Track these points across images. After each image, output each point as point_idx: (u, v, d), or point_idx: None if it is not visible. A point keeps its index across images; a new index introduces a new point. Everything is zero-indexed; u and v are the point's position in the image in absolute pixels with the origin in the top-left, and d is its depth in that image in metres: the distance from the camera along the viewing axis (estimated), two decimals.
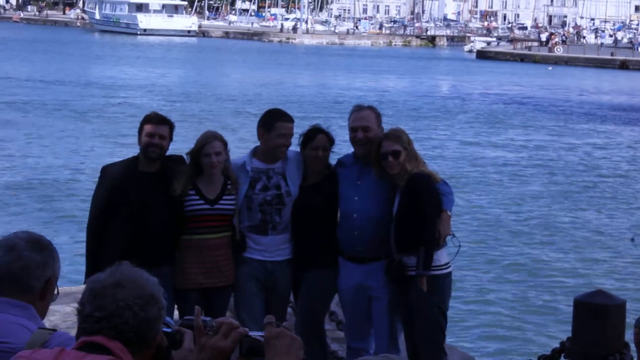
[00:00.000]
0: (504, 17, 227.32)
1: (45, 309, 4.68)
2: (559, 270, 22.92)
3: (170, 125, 9.68)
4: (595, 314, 7.93)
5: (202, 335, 3.56)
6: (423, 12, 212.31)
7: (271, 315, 4.03)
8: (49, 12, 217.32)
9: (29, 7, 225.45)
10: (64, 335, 4.26)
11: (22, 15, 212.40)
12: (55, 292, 4.72)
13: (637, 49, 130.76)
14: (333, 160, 10.18)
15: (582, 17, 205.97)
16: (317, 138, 9.72)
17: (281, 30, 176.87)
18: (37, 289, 4.53)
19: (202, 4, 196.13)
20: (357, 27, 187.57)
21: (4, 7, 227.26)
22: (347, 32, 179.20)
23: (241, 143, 9.62)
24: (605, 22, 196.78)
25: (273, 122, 9.66)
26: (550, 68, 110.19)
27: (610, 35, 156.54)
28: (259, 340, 3.57)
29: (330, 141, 9.86)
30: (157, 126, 9.53)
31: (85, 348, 3.73)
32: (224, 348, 3.49)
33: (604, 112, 62.79)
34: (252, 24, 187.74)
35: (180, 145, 9.83)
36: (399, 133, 9.59)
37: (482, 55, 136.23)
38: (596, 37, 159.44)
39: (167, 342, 4.01)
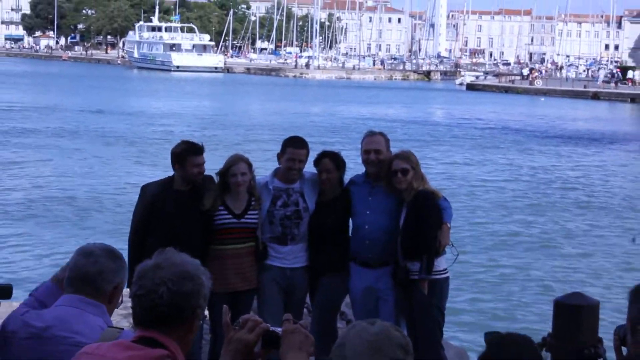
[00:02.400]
0: (490, 55, 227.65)
1: (111, 312, 4.84)
2: (541, 275, 22.95)
3: (201, 150, 9.77)
4: (572, 314, 7.95)
5: (230, 330, 3.55)
6: (419, 50, 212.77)
7: (289, 313, 4.04)
8: (94, 51, 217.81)
9: (76, 47, 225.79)
10: (132, 334, 4.24)
11: (69, 54, 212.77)
12: (120, 300, 4.99)
13: (597, 81, 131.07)
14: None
15: (558, 55, 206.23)
16: (322, 162, 9.83)
17: (295, 66, 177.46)
18: (108, 292, 4.81)
19: (227, 43, 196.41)
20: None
21: (53, 47, 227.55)
22: (353, 68, 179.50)
23: (263, 164, 9.61)
24: (579, 58, 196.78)
25: (285, 147, 9.78)
26: (543, 99, 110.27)
27: (584, 70, 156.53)
28: (278, 333, 3.60)
29: (338, 163, 9.88)
30: (200, 157, 9.67)
31: (141, 341, 3.88)
32: (248, 341, 3.49)
33: (578, 137, 62.86)
34: (270, 61, 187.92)
35: (210, 166, 9.82)
36: (408, 154, 9.71)
37: (471, 87, 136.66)
38: (567, 71, 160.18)
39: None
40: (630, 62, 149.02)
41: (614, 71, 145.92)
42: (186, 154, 9.56)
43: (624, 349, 4.78)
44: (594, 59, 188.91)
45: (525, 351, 4.60)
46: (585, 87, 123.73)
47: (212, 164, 9.97)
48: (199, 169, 9.53)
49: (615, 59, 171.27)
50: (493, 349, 4.65)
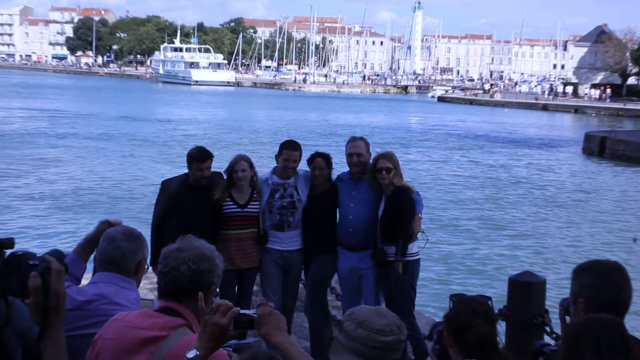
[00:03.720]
0: (458, 72, 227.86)
1: (138, 283, 5.11)
2: (498, 256, 23.01)
3: (211, 157, 9.90)
4: (523, 289, 7.99)
5: (205, 314, 3.52)
6: (398, 68, 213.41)
7: (262, 297, 4.46)
8: (125, 68, 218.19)
9: (111, 65, 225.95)
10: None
11: (105, 70, 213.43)
12: (146, 267, 5.26)
13: (546, 94, 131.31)
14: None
15: (514, 72, 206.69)
16: (315, 161, 9.90)
17: (294, 81, 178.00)
18: (132, 269, 5.01)
19: (237, 62, 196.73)
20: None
21: (92, 65, 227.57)
22: (343, 83, 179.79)
23: (266, 162, 9.60)
24: (531, 75, 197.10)
25: (282, 149, 9.87)
26: (506, 110, 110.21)
27: (536, 85, 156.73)
28: (250, 315, 3.53)
29: (328, 162, 9.99)
30: (203, 163, 9.76)
31: (163, 311, 4.15)
32: (222, 324, 3.44)
33: (531, 141, 63.05)
34: (273, 76, 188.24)
35: (221, 164, 9.95)
36: (391, 155, 9.79)
37: (441, 99, 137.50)
38: (520, 86, 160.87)
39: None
40: (574, 79, 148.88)
41: (553, 86, 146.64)
42: (192, 159, 9.75)
43: (567, 318, 4.75)
44: (544, 76, 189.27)
45: (481, 307, 4.60)
46: (536, 99, 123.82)
47: (222, 163, 10.08)
48: (202, 172, 9.67)
49: (562, 77, 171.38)
50: (457, 306, 4.65)
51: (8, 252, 3.11)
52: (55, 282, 3.14)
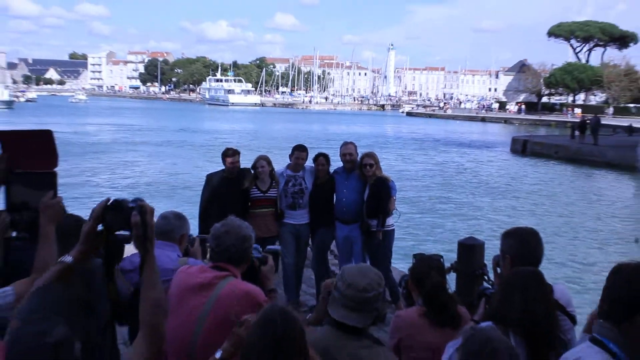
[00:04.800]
0: (420, 94, 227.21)
1: (182, 250, 5.34)
2: (451, 226, 23.12)
3: (239, 153, 10.07)
4: (468, 250, 7.97)
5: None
6: (378, 91, 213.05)
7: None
8: (181, 94, 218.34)
9: (171, 92, 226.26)
10: (194, 261, 5.04)
11: (167, 96, 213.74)
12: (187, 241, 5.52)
13: (482, 109, 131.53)
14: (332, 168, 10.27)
15: (460, 94, 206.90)
16: (319, 159, 10.10)
17: (303, 102, 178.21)
18: (177, 239, 5.32)
19: (262, 89, 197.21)
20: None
21: (157, 92, 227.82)
22: (338, 103, 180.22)
23: (282, 160, 9.58)
24: (473, 96, 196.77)
25: (293, 151, 10.08)
26: (458, 122, 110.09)
27: (476, 103, 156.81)
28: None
29: (327, 160, 10.16)
30: (230, 157, 9.98)
31: (215, 268, 4.27)
32: (244, 336, 3.36)
33: (473, 144, 63.07)
34: (288, 99, 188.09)
35: (248, 162, 10.00)
36: (373, 154, 9.96)
37: (409, 114, 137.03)
38: (465, 103, 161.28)
39: (258, 262, 4.64)
40: (503, 99, 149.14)
41: (487, 104, 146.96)
42: (224, 155, 10.02)
43: (498, 270, 4.74)
44: (482, 96, 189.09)
45: (437, 263, 4.63)
46: (476, 114, 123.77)
47: (249, 161, 10.16)
48: (231, 164, 9.92)
49: (495, 97, 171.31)
50: (418, 263, 4.66)
51: (112, 199, 3.17)
52: (149, 218, 3.14)
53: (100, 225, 3.16)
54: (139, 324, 3.11)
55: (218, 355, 3.28)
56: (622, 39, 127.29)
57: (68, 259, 3.15)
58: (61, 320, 2.51)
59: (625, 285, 3.27)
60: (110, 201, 3.15)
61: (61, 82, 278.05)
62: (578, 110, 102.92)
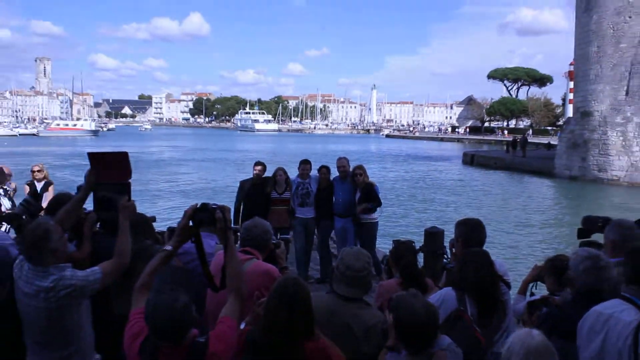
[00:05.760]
0: (395, 121, 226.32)
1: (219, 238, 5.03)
2: (420, 218, 22.98)
3: (264, 165, 10.10)
4: (432, 236, 7.92)
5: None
6: (364, 120, 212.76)
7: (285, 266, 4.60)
8: (220, 124, 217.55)
9: (213, 122, 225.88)
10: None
11: (209, 125, 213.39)
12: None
13: (440, 132, 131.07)
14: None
15: (426, 121, 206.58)
16: (321, 170, 10.09)
17: (309, 128, 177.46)
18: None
19: (279, 119, 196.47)
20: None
21: (202, 122, 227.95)
22: (335, 128, 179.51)
23: (295, 170, 9.54)
24: (435, 122, 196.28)
25: (300, 164, 10.13)
26: (425, 142, 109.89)
27: (437, 129, 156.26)
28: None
29: (328, 170, 10.15)
30: (258, 167, 10.03)
31: (243, 252, 4.10)
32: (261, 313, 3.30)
33: (434, 157, 62.80)
34: (298, 125, 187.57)
35: (269, 172, 10.03)
36: (362, 166, 9.93)
37: (388, 136, 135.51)
38: (428, 128, 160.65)
39: (273, 246, 4.49)
40: (456, 124, 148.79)
41: (440, 127, 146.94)
42: (254, 165, 10.07)
43: (453, 250, 4.74)
44: (440, 122, 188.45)
45: (410, 246, 4.64)
46: (437, 135, 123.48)
47: (270, 172, 10.17)
48: (257, 172, 9.97)
49: (450, 123, 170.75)
50: (396, 246, 4.65)
51: (199, 203, 3.34)
52: (227, 214, 3.27)
53: (191, 222, 3.29)
54: (227, 290, 3.24)
55: (242, 326, 3.23)
56: (541, 80, 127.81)
57: (169, 247, 3.31)
58: (182, 290, 2.87)
59: None
60: (199, 204, 3.30)
61: (133, 116, 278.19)
62: (506, 132, 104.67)
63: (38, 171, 10.58)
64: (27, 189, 10.24)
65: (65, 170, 39.76)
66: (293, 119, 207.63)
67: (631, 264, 3.39)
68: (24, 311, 3.58)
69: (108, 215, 4.06)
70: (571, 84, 48.84)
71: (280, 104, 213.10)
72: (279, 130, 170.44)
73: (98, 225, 4.58)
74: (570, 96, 49.92)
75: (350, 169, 9.94)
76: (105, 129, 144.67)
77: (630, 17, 34.82)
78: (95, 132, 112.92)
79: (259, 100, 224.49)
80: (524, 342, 2.66)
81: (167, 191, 30.71)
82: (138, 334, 2.94)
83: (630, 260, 3.43)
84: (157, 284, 3.24)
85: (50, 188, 10.51)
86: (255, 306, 3.30)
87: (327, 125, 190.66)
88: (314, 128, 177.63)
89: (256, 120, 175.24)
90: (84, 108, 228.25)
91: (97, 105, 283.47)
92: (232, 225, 4.91)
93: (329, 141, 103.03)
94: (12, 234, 4.97)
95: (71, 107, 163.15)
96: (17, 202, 7.62)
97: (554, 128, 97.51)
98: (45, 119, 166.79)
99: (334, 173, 10.22)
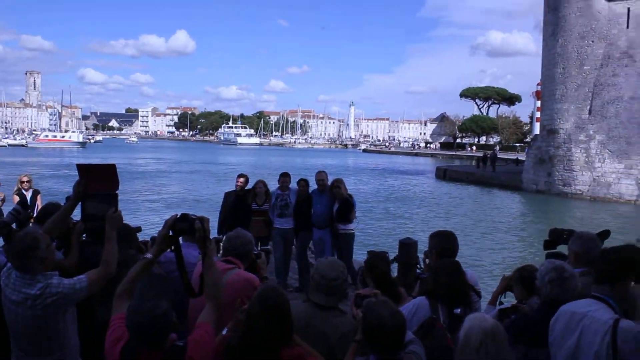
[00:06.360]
0: (372, 137, 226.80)
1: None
2: (394, 229, 22.97)
3: (246, 178, 10.17)
4: (406, 246, 7.96)
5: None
6: (342, 135, 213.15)
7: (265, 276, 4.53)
8: (204, 137, 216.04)
9: (197, 136, 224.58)
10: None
11: (194, 138, 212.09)
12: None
13: (415, 147, 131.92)
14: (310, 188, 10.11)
15: (401, 137, 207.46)
16: (300, 183, 10.05)
17: (289, 142, 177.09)
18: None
19: (261, 133, 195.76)
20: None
21: (186, 135, 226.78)
22: (314, 143, 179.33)
23: (274, 182, 9.51)
24: (409, 138, 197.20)
25: (280, 177, 10.05)
26: (400, 157, 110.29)
27: (411, 144, 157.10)
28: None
29: (307, 183, 10.10)
30: (241, 179, 10.11)
31: (225, 261, 4.11)
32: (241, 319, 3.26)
33: (409, 172, 63.06)
34: (279, 140, 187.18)
35: (250, 184, 10.00)
36: (341, 179, 9.90)
37: (365, 151, 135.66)
38: (403, 143, 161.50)
39: (255, 256, 4.44)
40: (430, 140, 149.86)
41: (414, 143, 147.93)
42: (237, 177, 10.19)
43: (427, 261, 4.76)
44: (415, 138, 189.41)
45: (383, 257, 4.65)
46: (412, 150, 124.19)
47: (250, 184, 10.20)
48: (240, 184, 10.06)
49: (424, 139, 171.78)
50: (371, 256, 4.66)
51: (180, 213, 3.31)
52: (206, 225, 3.24)
53: (171, 231, 3.28)
54: (205, 297, 3.23)
55: (224, 332, 3.24)
56: (510, 99, 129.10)
57: (149, 255, 3.29)
58: (164, 296, 2.90)
59: (615, 259, 3.44)
60: (179, 215, 3.28)
61: (120, 129, 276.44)
62: (474, 147, 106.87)
63: (27, 181, 10.53)
64: (17, 198, 10.16)
65: (53, 180, 39.34)
66: (274, 133, 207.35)
67: (602, 265, 3.49)
68: (10, 319, 3.53)
69: (95, 225, 4.04)
70: (538, 103, 49.41)
71: (262, 119, 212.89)
72: (261, 144, 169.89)
73: (84, 236, 4.56)
74: (538, 114, 50.48)
75: (329, 182, 9.94)
76: (92, 140, 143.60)
77: (592, 42, 35.45)
78: (82, 144, 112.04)
79: (242, 115, 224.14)
80: (480, 325, 2.86)
81: (151, 202, 30.43)
82: (119, 338, 2.94)
83: (601, 261, 3.52)
84: (140, 291, 3.26)
85: (39, 197, 10.49)
86: (237, 313, 3.28)
87: (306, 139, 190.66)
88: (294, 142, 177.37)
89: (239, 135, 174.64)
90: (72, 120, 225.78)
91: (85, 118, 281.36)
92: (218, 236, 4.90)
93: (308, 155, 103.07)
94: (1, 242, 4.91)
95: (60, 119, 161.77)
96: (5, 211, 7.54)
97: (522, 144, 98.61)
98: (34, 130, 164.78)
99: (313, 186, 10.19)
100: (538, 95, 50.52)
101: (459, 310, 3.85)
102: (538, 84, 48.70)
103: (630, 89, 33.82)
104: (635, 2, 34.04)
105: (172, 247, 3.35)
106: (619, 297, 3.40)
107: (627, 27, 34.47)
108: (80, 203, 4.05)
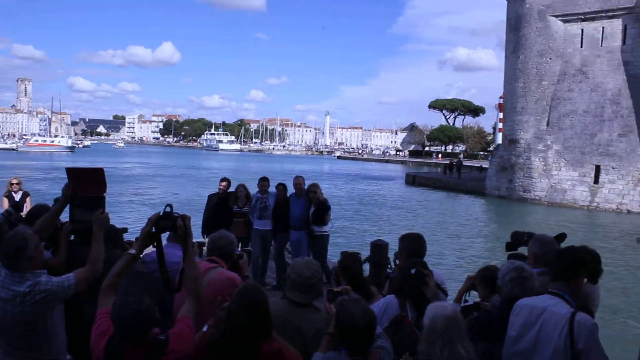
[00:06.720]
0: (346, 144, 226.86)
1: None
2: (367, 231, 23.00)
3: (228, 181, 10.15)
4: (377, 248, 7.98)
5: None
6: (318, 142, 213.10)
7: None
8: (188, 143, 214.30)
9: (181, 142, 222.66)
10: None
11: (178, 144, 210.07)
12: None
13: (385, 155, 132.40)
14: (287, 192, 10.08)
15: (373, 145, 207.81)
16: (278, 187, 9.98)
17: (268, 149, 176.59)
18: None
19: (241, 140, 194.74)
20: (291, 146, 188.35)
21: (171, 142, 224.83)
22: (292, 149, 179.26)
23: (254, 186, 9.45)
24: (381, 146, 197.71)
25: (260, 181, 10.02)
26: (374, 163, 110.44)
27: (382, 152, 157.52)
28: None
29: (285, 187, 10.02)
30: (224, 182, 10.07)
31: (209, 260, 4.10)
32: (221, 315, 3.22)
33: (380, 177, 63.17)
34: (258, 147, 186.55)
35: (232, 187, 9.94)
36: (317, 184, 9.88)
37: (339, 157, 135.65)
38: (375, 150, 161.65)
39: (237, 257, 4.36)
40: (400, 148, 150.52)
41: (385, 151, 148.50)
42: (220, 180, 10.15)
43: (397, 261, 4.77)
44: (386, 146, 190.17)
45: (356, 257, 4.64)
46: (383, 157, 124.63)
47: (232, 187, 10.14)
48: (222, 187, 10.05)
49: (395, 147, 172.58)
50: (344, 257, 4.67)
51: (162, 211, 3.24)
52: (188, 222, 3.23)
53: (154, 228, 3.24)
54: (185, 291, 3.22)
55: (205, 328, 3.22)
56: (475, 111, 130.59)
57: (132, 251, 3.26)
58: (146, 293, 2.87)
59: (569, 258, 3.56)
60: (162, 212, 3.24)
61: (107, 135, 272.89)
62: (440, 155, 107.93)
63: (17, 184, 10.36)
64: (6, 201, 9.99)
65: (42, 183, 38.70)
66: (254, 140, 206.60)
67: (558, 264, 3.58)
68: None
69: (82, 226, 3.99)
70: (501, 115, 50.09)
71: (243, 127, 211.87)
72: (241, 150, 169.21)
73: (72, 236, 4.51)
74: (500, 125, 51.22)
75: (306, 187, 9.92)
76: (81, 145, 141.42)
77: (550, 59, 36.04)
78: (71, 148, 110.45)
79: (224, 123, 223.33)
80: (443, 312, 3.02)
81: (138, 203, 30.14)
82: (104, 332, 2.92)
83: (557, 260, 3.61)
84: (124, 287, 3.22)
85: (28, 199, 10.30)
86: (219, 310, 3.26)
87: (284, 146, 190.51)
88: (273, 149, 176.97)
89: (220, 141, 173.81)
90: (61, 126, 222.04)
91: (74, 124, 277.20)
92: (203, 236, 4.85)
93: (286, 161, 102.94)
94: None
95: (49, 124, 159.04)
96: None
97: (486, 153, 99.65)
98: (25, 135, 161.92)
99: (291, 190, 10.16)
100: (500, 107, 51.23)
101: (414, 270, 3.95)
102: (500, 97, 49.42)
103: (584, 103, 34.42)
104: (588, 24, 34.73)
105: (155, 244, 3.31)
106: (574, 293, 3.48)
107: (581, 46, 35.15)
108: (68, 205, 4.00)
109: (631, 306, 13.43)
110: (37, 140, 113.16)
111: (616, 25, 33.73)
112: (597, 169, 33.77)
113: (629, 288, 15.12)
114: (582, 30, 34.99)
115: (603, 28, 34.27)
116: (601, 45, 34.39)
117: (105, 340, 2.89)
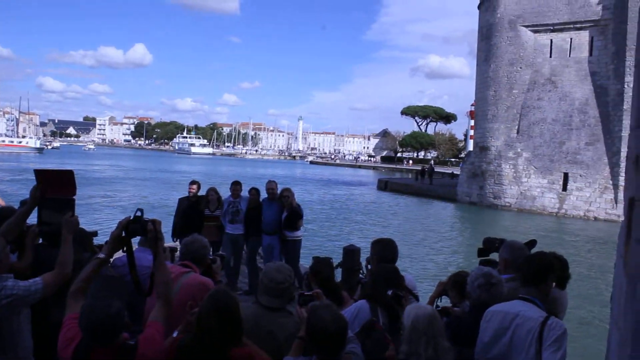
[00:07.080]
0: (319, 150, 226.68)
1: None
2: (339, 236, 23.04)
3: (198, 184, 10.07)
4: (350, 253, 7.98)
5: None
6: (291, 147, 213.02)
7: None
8: (160, 146, 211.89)
9: (152, 145, 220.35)
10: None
11: (149, 147, 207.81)
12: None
13: (357, 160, 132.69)
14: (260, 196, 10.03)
15: (346, 150, 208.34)
16: (251, 191, 10.00)
17: (241, 153, 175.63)
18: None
19: (213, 143, 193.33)
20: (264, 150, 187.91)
21: (143, 144, 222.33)
22: (264, 154, 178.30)
23: (225, 190, 9.38)
24: (353, 152, 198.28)
25: (232, 185, 10.04)
26: (350, 169, 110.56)
27: (354, 157, 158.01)
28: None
29: (258, 192, 10.05)
30: (194, 185, 9.98)
31: (182, 265, 4.13)
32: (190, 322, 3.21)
33: (353, 183, 63.36)
34: (231, 150, 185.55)
35: (203, 191, 9.90)
36: (289, 189, 9.81)
37: (312, 162, 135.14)
38: (347, 156, 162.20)
39: (210, 261, 4.41)
40: (373, 154, 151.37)
41: (358, 156, 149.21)
42: (189, 184, 10.04)
43: (369, 267, 4.79)
44: (359, 152, 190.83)
45: (328, 262, 4.66)
46: (355, 162, 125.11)
47: (203, 191, 10.12)
48: (192, 190, 9.92)
49: (367, 153, 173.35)
50: (316, 262, 4.68)
51: (132, 215, 3.25)
52: (158, 226, 3.23)
53: (124, 232, 3.24)
54: (155, 295, 3.20)
55: (175, 334, 3.19)
56: (447, 118, 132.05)
57: (102, 255, 3.23)
58: (116, 297, 2.87)
59: (538, 263, 3.63)
60: (132, 217, 3.24)
61: (77, 136, 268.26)
62: (411, 161, 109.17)
63: None
64: None
65: (9, 184, 37.91)
66: (226, 144, 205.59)
67: (527, 269, 3.64)
68: None
69: (51, 228, 3.92)
70: (472, 122, 50.61)
71: (215, 131, 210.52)
72: (213, 154, 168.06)
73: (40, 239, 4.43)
74: (471, 132, 51.77)
75: (278, 191, 9.90)
76: (50, 147, 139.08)
77: (520, 68, 36.65)
78: (40, 150, 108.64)
79: (196, 126, 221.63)
80: (424, 312, 3.19)
81: (108, 206, 29.73)
82: (72, 338, 2.88)
83: (526, 266, 3.66)
84: (94, 291, 3.20)
85: None
86: (189, 315, 3.23)
87: (257, 151, 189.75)
88: (246, 153, 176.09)
89: (192, 144, 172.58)
90: (29, 127, 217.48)
91: (43, 124, 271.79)
92: (173, 240, 4.82)
93: (259, 165, 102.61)
94: None
95: (17, 125, 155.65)
96: None
97: (457, 160, 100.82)
98: None
99: (263, 194, 10.14)
100: (472, 115, 51.79)
101: (390, 291, 3.98)
102: (472, 105, 49.93)
103: (553, 112, 35.08)
104: (557, 35, 35.46)
105: (124, 248, 3.29)
106: (543, 298, 3.54)
107: (550, 56, 35.86)
108: (37, 207, 3.93)
109: (598, 312, 13.68)
110: (4, 141, 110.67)
111: (583, 36, 34.50)
112: (566, 177, 34.40)
113: (594, 296, 15.40)
114: (551, 40, 35.69)
115: (571, 39, 35.02)
116: (569, 56, 35.12)
117: (73, 346, 2.85)
